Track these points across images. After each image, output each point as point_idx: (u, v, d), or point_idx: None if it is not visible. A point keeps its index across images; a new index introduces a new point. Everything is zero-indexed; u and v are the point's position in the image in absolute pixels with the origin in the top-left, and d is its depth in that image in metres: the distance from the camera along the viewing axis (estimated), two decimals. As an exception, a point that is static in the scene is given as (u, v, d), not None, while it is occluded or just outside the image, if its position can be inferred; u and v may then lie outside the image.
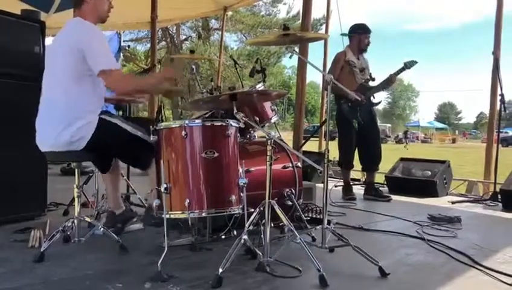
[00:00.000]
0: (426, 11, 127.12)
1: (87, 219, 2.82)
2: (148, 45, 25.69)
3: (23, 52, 3.41)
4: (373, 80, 5.00)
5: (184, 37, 28.07)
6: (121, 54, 11.57)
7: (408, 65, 4.70)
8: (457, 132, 55.64)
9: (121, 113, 3.69)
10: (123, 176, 3.64)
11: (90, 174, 3.78)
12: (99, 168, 3.05)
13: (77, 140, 2.54)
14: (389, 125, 51.06)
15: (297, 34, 2.74)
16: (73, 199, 3.73)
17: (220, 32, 26.64)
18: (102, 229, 2.74)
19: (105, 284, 2.16)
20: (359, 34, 4.95)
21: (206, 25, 26.83)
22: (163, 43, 26.18)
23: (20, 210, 3.39)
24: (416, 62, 4.69)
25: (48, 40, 3.51)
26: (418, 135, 52.16)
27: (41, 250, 2.49)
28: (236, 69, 4.11)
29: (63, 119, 2.54)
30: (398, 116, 70.22)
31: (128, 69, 22.66)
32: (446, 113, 79.80)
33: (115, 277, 2.28)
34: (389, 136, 40.68)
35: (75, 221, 2.70)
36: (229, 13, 10.66)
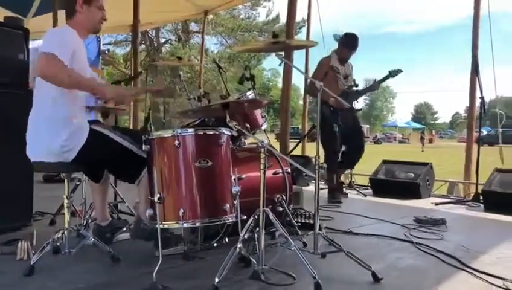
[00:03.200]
0: (402, 14, 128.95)
1: (79, 230, 2.77)
2: (127, 48, 25.50)
3: (7, 60, 3.35)
4: (356, 86, 5.08)
5: (163, 40, 27.90)
6: (100, 58, 11.44)
7: (393, 73, 4.79)
8: (433, 131, 56.60)
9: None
10: (111, 184, 3.59)
11: (77, 183, 3.72)
12: (91, 178, 3.00)
13: (68, 151, 2.50)
14: (367, 126, 51.70)
15: (287, 42, 2.76)
16: (60, 208, 3.72)
17: (199, 35, 26.66)
18: (92, 239, 2.71)
19: (100, 297, 2.14)
20: (343, 47, 4.99)
21: (185, 28, 26.73)
22: (143, 46, 25.98)
23: (6, 220, 3.31)
24: (401, 71, 4.78)
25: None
26: (395, 136, 52.98)
27: (32, 263, 2.44)
28: (220, 73, 4.10)
29: (49, 128, 2.49)
30: (376, 117, 71.15)
31: (107, 73, 22.39)
32: (422, 114, 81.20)
33: (108, 289, 2.26)
34: (368, 137, 41.14)
35: (65, 232, 2.66)
36: (210, 16, 10.64)
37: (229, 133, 2.57)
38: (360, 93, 5.14)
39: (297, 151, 7.45)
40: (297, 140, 6.52)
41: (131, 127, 8.27)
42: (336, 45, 5.10)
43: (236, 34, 26.31)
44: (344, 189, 5.47)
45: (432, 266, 2.71)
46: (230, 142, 2.68)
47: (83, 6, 2.65)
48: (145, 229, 2.70)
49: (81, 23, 2.67)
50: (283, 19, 26.11)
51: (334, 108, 4.81)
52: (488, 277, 2.45)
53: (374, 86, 5.02)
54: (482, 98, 5.09)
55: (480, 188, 4.88)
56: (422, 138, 32.80)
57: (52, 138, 2.49)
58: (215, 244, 2.89)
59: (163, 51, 27.11)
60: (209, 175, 2.45)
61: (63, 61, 2.38)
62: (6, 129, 3.27)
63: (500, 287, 2.33)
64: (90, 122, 2.68)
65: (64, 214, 2.76)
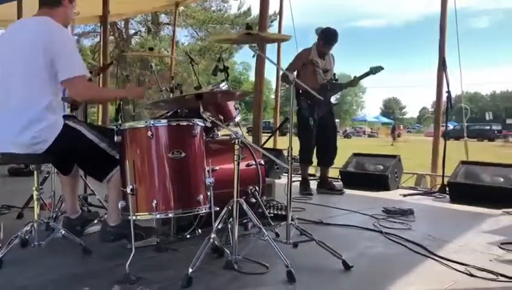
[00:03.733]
0: (370, 9, 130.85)
1: (48, 222, 2.72)
2: (95, 40, 24.97)
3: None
4: (336, 80, 5.12)
5: (133, 31, 27.43)
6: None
7: (374, 71, 4.83)
8: (401, 126, 57.78)
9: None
10: (81, 177, 3.53)
11: (46, 175, 3.64)
12: (60, 171, 2.95)
13: (38, 142, 2.45)
14: (337, 120, 52.28)
15: (261, 35, 2.77)
16: (27, 202, 3.63)
17: (170, 27, 26.35)
18: (63, 231, 2.67)
19: (72, 289, 2.11)
20: (322, 41, 4.99)
21: (156, 19, 26.34)
22: (111, 37, 25.46)
23: (-29, 214, 3.23)
24: (382, 68, 4.82)
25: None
26: (364, 130, 53.90)
27: (0, 256, 2.39)
28: (192, 65, 4.08)
29: (22, 119, 2.44)
30: (346, 112, 72.08)
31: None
32: (391, 108, 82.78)
33: (81, 280, 2.24)
34: (338, 131, 41.62)
35: (35, 224, 2.60)
36: (181, 8, 10.55)
37: (203, 125, 2.58)
38: (338, 88, 5.20)
39: (269, 145, 7.50)
40: (269, 134, 6.57)
41: (100, 119, 8.14)
42: (309, 40, 5.13)
43: (207, 26, 26.11)
44: (334, 185, 5.32)
45: (401, 255, 2.80)
46: (204, 134, 2.68)
47: (68, 4, 2.67)
48: (111, 232, 2.71)
49: (62, 17, 2.66)
50: (254, 12, 26.15)
51: (312, 101, 4.84)
52: (452, 264, 2.56)
53: (353, 82, 5.06)
54: (448, 92, 5.25)
55: (446, 180, 5.04)
56: (393, 132, 33.32)
57: (25, 129, 2.43)
58: (188, 236, 2.90)
59: (132, 42, 26.65)
60: (183, 166, 2.45)
61: (85, 79, 2.57)
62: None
63: (463, 272, 2.44)
64: (65, 116, 2.64)
65: (32, 207, 2.71)
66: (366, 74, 4.90)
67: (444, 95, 5.63)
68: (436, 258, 2.67)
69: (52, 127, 2.49)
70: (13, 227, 2.99)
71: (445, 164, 5.26)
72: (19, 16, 7.38)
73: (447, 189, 4.97)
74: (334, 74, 5.14)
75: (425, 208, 4.45)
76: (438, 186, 5.31)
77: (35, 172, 2.67)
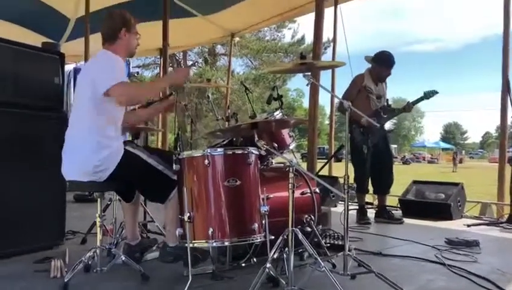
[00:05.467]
0: (425, 32, 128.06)
1: (110, 248, 2.82)
2: (155, 71, 26.05)
3: (44, 83, 3.48)
4: (389, 106, 5.03)
5: (191, 62, 28.43)
6: (130, 81, 11.74)
7: (427, 95, 4.69)
8: (463, 152, 55.33)
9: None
10: (141, 203, 3.65)
11: (109, 202, 3.80)
12: (122, 198, 3.07)
13: (101, 171, 2.57)
14: (394, 146, 51.05)
15: (314, 63, 2.79)
16: (91, 228, 3.79)
17: (225, 57, 27.07)
18: (123, 258, 2.75)
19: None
20: (379, 66, 4.93)
21: (212, 50, 27.20)
22: (170, 68, 26.49)
23: (39, 239, 3.40)
24: (436, 92, 4.68)
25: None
26: (424, 156, 52.12)
27: (66, 280, 2.49)
28: (247, 94, 4.15)
29: (87, 148, 2.57)
30: (404, 137, 70.19)
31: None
32: (452, 133, 79.73)
33: (139, 307, 2.28)
34: (396, 157, 40.54)
35: (97, 251, 2.71)
36: (236, 39, 10.82)
37: (257, 153, 2.60)
38: (392, 115, 5.10)
39: (324, 172, 7.41)
40: (324, 160, 6.48)
41: (160, 147, 8.41)
42: (363, 65, 5.08)
43: (261, 55, 26.62)
44: (393, 213, 5.14)
45: (464, 289, 2.64)
46: (258, 162, 2.70)
47: (126, 34, 2.80)
48: (171, 253, 2.76)
49: (122, 49, 2.81)
50: (308, 40, 26.36)
51: (365, 129, 4.77)
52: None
53: (407, 108, 4.93)
54: (514, 116, 4.97)
55: (514, 209, 4.74)
56: (454, 158, 31.91)
57: (88, 158, 2.57)
58: (243, 264, 2.89)
59: (191, 73, 27.58)
60: (238, 194, 2.47)
61: (123, 82, 2.62)
62: (42, 151, 3.38)
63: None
64: (124, 142, 2.76)
65: (95, 233, 2.82)
66: (421, 99, 4.77)
67: (509, 119, 5.35)
68: (506, 294, 2.50)
69: (116, 154, 2.61)
70: (77, 252, 3.13)
71: (512, 191, 4.95)
72: (86, 51, 7.86)
73: (516, 219, 4.66)
74: (387, 100, 5.04)
75: (492, 239, 4.20)
76: (506, 216, 4.99)
77: (98, 199, 2.79)
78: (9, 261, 3.07)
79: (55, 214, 3.56)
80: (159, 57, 12.57)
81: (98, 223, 2.77)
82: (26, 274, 2.81)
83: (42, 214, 3.42)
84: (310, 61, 2.68)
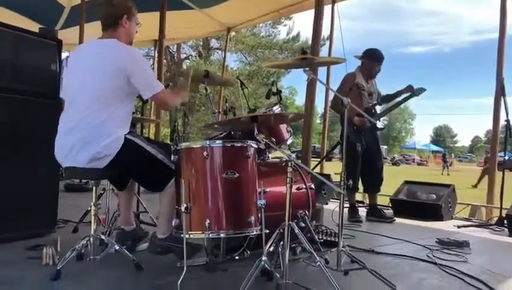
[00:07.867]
0: (420, 35, 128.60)
1: (103, 237, 2.79)
2: (149, 62, 25.91)
3: (41, 69, 3.44)
4: (380, 104, 5.05)
5: (184, 55, 28.33)
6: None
7: (416, 92, 4.75)
8: (453, 155, 55.81)
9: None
10: (134, 194, 3.64)
11: (102, 192, 3.77)
12: (116, 186, 3.05)
13: (101, 157, 2.54)
14: (385, 147, 51.35)
15: (315, 59, 2.79)
16: (83, 217, 3.77)
17: (219, 52, 26.98)
18: (116, 247, 2.73)
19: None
20: (371, 61, 4.96)
21: (206, 44, 27.11)
22: (164, 61, 26.40)
23: (31, 227, 3.37)
24: (425, 90, 4.75)
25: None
26: (414, 158, 52.48)
27: (58, 268, 2.47)
28: (242, 89, 4.14)
29: (93, 134, 2.52)
30: (394, 138, 70.60)
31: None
32: (442, 136, 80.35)
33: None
34: (386, 158, 40.73)
35: (91, 239, 2.69)
36: (232, 34, 10.79)
37: (256, 146, 2.60)
38: (383, 113, 5.13)
39: (316, 170, 7.44)
40: (316, 159, 6.50)
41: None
42: (356, 64, 5.11)
43: (256, 51, 26.57)
44: (384, 212, 5.18)
45: (456, 288, 2.66)
46: (256, 156, 2.70)
47: (127, 22, 2.78)
48: (160, 245, 2.75)
49: (125, 36, 2.79)
50: (303, 38, 26.39)
51: (357, 127, 4.79)
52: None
53: (397, 104, 5.00)
54: (507, 120, 5.01)
55: (504, 212, 4.79)
56: (444, 161, 31.90)
57: (92, 144, 2.52)
58: (236, 257, 2.89)
59: (183, 66, 27.48)
60: (236, 187, 2.47)
61: (165, 90, 2.77)
62: (36, 138, 3.34)
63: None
64: None
65: (87, 222, 2.80)
66: (410, 96, 4.84)
67: (502, 123, 5.39)
68: (497, 294, 2.53)
69: (117, 141, 2.57)
70: (69, 241, 3.11)
71: (503, 195, 5.01)
72: (80, 40, 7.79)
73: (505, 222, 4.71)
74: (378, 98, 5.07)
75: (482, 240, 4.24)
76: (495, 218, 5.05)
77: (93, 188, 2.77)
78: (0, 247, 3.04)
79: (47, 202, 3.53)
80: (152, 49, 12.52)
81: (92, 212, 2.74)
82: (18, 261, 2.79)
83: (34, 202, 3.39)
84: (311, 56, 2.68)
